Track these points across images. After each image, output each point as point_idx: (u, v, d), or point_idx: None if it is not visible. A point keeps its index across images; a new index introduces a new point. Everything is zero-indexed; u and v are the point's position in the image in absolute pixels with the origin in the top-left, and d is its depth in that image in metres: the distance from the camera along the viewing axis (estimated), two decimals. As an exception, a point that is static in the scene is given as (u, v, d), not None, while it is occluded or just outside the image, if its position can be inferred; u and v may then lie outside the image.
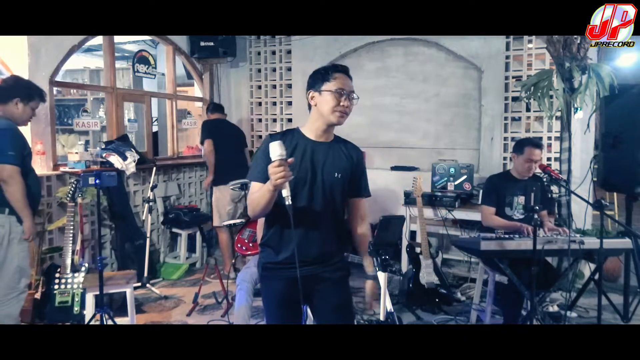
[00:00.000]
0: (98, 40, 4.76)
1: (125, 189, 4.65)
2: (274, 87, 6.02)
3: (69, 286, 3.35)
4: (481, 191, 3.73)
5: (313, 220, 1.95)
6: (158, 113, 6.61)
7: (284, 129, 2.15)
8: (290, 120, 5.92)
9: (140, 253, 4.44)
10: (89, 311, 3.17)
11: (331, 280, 2.02)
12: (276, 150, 1.69)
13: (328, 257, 2.01)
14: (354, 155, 2.06)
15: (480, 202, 3.60)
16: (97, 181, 2.93)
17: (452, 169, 4.68)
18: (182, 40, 5.50)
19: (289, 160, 1.73)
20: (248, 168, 4.96)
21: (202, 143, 4.90)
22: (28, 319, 3.51)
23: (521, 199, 3.39)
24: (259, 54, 6.05)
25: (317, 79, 1.95)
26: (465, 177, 4.63)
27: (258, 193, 1.83)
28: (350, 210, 2.12)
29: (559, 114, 4.20)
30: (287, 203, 1.72)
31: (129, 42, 7.21)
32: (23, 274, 2.98)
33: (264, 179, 1.80)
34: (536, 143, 3.37)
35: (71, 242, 3.41)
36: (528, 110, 4.83)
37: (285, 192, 1.72)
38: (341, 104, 1.91)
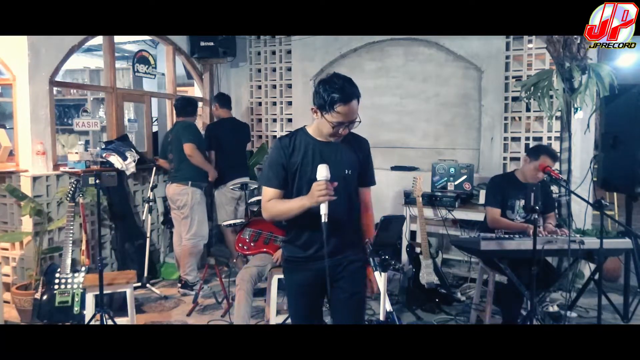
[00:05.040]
0: (98, 40, 4.76)
1: (125, 189, 4.64)
2: (274, 87, 6.02)
3: (69, 286, 3.35)
4: (483, 191, 3.71)
5: (329, 217, 1.98)
6: (158, 113, 6.59)
7: (292, 130, 2.17)
8: (290, 120, 5.91)
9: (140, 253, 4.44)
10: (89, 311, 3.17)
11: (349, 272, 2.09)
12: (322, 172, 1.86)
13: (346, 251, 2.08)
14: (362, 148, 2.12)
15: (484, 203, 3.56)
16: (97, 181, 2.93)
17: (452, 169, 4.68)
18: (182, 40, 5.49)
19: (334, 183, 1.87)
20: (247, 167, 4.98)
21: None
22: (28, 319, 3.51)
23: (523, 203, 3.37)
24: (259, 54, 6.05)
25: (321, 104, 1.92)
26: (465, 177, 4.63)
27: (288, 205, 1.98)
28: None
29: (559, 114, 4.19)
30: (323, 221, 1.85)
31: (129, 42, 7.20)
32: (202, 225, 4.35)
33: (282, 185, 2.01)
34: (553, 154, 3.28)
35: (71, 242, 3.41)
36: (528, 110, 4.83)
37: (324, 210, 1.86)
38: (339, 132, 1.96)
